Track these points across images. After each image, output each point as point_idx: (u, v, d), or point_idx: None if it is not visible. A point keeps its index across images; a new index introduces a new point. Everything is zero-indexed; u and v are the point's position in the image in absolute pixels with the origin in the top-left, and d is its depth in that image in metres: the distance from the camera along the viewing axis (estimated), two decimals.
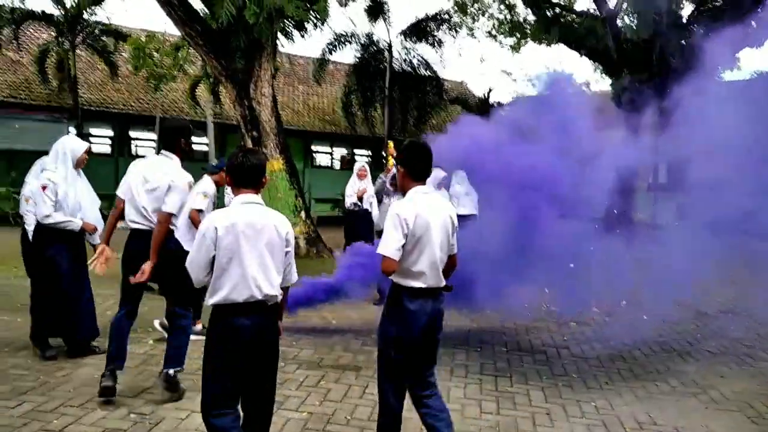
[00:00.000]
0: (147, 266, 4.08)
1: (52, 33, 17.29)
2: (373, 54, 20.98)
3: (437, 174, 8.31)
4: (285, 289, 3.09)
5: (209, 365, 2.94)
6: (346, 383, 4.71)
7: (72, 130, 10.05)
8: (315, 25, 11.12)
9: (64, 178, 4.98)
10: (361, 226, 7.84)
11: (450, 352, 5.61)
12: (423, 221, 3.11)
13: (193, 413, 3.87)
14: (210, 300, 2.90)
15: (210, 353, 2.93)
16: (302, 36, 11.09)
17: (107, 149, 19.60)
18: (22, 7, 14.16)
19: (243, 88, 11.54)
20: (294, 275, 3.14)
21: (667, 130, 5.43)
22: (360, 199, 8.17)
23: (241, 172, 2.98)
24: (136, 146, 20.30)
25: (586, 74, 39.44)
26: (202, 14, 11.89)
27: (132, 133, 19.99)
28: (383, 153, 6.27)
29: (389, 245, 3.08)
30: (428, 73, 21.78)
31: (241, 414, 3.00)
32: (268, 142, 11.77)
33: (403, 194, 3.29)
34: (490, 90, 23.44)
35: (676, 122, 5.33)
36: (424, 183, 3.28)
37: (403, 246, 3.09)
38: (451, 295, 3.43)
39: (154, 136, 19.06)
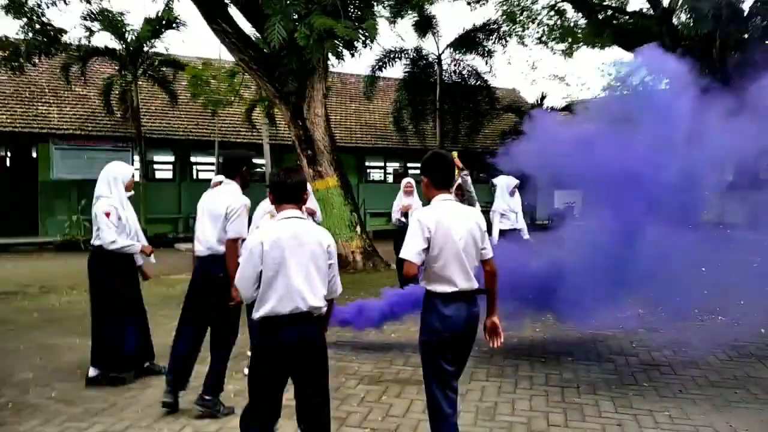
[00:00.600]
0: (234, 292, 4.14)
1: (115, 66, 18.13)
2: (422, 67, 21.06)
3: (509, 181, 8.24)
4: (330, 301, 3.20)
5: (254, 377, 3.05)
6: (407, 398, 4.69)
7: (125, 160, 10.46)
8: (364, 44, 11.24)
9: (120, 203, 5.12)
10: None
11: (513, 363, 5.51)
12: (445, 227, 3.20)
13: None
14: (256, 314, 3.01)
15: (256, 366, 3.05)
16: (352, 55, 11.21)
17: (170, 174, 20.35)
18: (88, 44, 14.87)
19: (296, 110, 11.78)
20: (338, 287, 3.24)
21: (734, 125, 5.10)
22: (405, 215, 8.16)
23: (282, 189, 3.16)
24: (197, 170, 21.00)
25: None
26: (254, 39, 12.25)
27: (193, 158, 20.70)
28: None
29: (410, 250, 3.19)
30: (478, 82, 21.66)
31: None
32: (323, 159, 11.96)
33: (429, 202, 3.39)
34: (543, 96, 23.02)
35: (745, 116, 5.01)
36: (447, 191, 3.40)
37: (426, 251, 3.19)
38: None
39: (213, 159, 19.66)
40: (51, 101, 18.39)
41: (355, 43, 11.54)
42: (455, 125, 21.68)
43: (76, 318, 7.61)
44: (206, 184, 19.49)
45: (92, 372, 5.07)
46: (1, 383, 5.08)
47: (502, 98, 23.73)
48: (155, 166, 20.26)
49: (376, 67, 20.78)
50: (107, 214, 5.00)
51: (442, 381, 3.24)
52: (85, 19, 14.03)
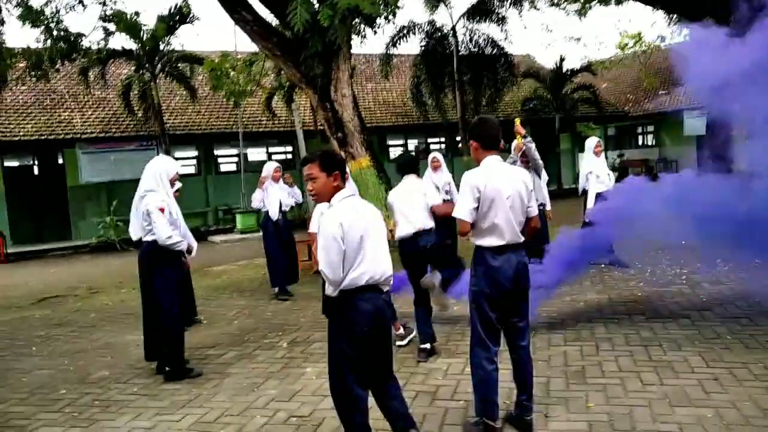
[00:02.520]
0: None
1: (132, 66, 18.10)
2: (437, 40, 20.76)
3: (590, 143, 8.02)
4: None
5: (340, 346, 3.10)
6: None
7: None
8: (386, 19, 11.06)
9: (169, 198, 5.10)
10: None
11: (588, 326, 5.44)
12: (494, 186, 3.39)
13: None
14: (338, 288, 3.06)
15: (341, 334, 3.09)
16: (374, 32, 11.05)
17: (193, 170, 20.36)
18: (106, 46, 14.83)
19: (324, 92, 11.66)
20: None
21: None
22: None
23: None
24: (220, 163, 20.98)
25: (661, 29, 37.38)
26: (274, 26, 12.11)
27: (216, 151, 20.67)
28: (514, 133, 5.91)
29: (462, 209, 3.43)
30: (495, 51, 21.32)
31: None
32: (354, 141, 11.85)
33: (478, 164, 3.56)
34: (562, 59, 22.63)
35: None
36: (495, 152, 3.54)
37: (476, 209, 3.40)
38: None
39: (236, 151, 19.65)
40: (73, 107, 18.45)
41: (378, 18, 11.40)
42: (476, 96, 21.40)
43: (134, 315, 7.66)
44: (230, 175, 19.74)
45: (167, 367, 5.09)
46: (80, 382, 5.12)
47: (519, 64, 23.37)
48: (180, 162, 20.23)
49: (391, 44, 20.57)
50: (161, 210, 4.95)
51: (490, 324, 3.46)
52: (103, 20, 13.94)
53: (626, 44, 27.52)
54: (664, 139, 26.11)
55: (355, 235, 3.02)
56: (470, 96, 21.43)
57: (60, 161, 18.41)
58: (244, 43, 35.64)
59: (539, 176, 6.85)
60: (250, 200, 8.62)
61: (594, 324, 5.51)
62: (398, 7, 10.71)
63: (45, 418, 4.38)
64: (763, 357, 4.38)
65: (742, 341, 4.75)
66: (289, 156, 21.27)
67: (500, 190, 3.40)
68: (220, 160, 20.99)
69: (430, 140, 24.00)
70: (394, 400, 3.22)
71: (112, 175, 17.70)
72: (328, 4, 9.82)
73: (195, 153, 20.43)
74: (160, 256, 5.02)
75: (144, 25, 16.29)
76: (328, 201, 3.16)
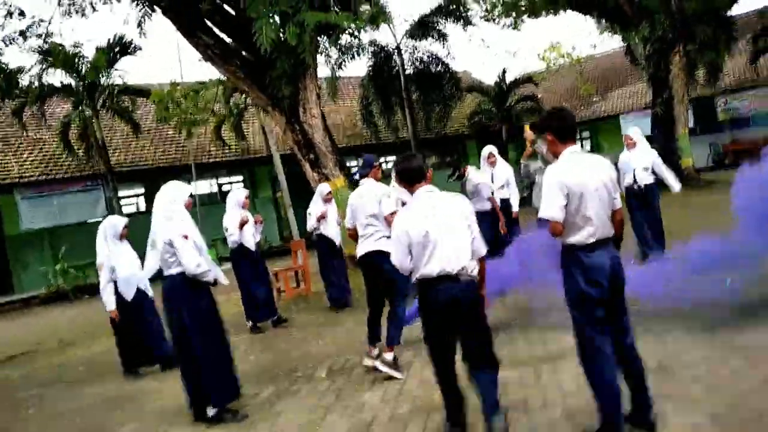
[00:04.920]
0: None
1: (70, 104, 17.13)
2: (384, 59, 20.78)
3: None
4: (481, 260, 3.54)
5: (424, 330, 3.55)
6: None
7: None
8: (352, 35, 10.91)
9: (190, 225, 4.68)
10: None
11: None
12: (581, 179, 3.20)
13: None
14: (413, 278, 3.51)
15: (422, 320, 3.55)
16: (340, 51, 10.87)
17: (143, 207, 19.29)
18: (46, 83, 13.93)
19: (292, 114, 11.32)
20: (482, 246, 3.53)
21: None
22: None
23: (410, 173, 3.61)
24: None
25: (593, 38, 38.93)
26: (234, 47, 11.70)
27: None
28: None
29: (552, 208, 3.21)
30: (440, 68, 21.55)
31: None
32: (327, 161, 11.54)
33: (556, 158, 3.38)
34: (504, 71, 23.15)
35: None
36: (574, 143, 3.35)
37: (565, 207, 3.19)
38: None
39: (190, 185, 18.79)
40: (6, 150, 17.23)
41: (342, 35, 11.25)
42: (426, 113, 21.51)
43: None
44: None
45: (211, 412, 4.57)
46: None
47: (462, 80, 23.72)
48: (124, 201, 19.08)
49: (335, 66, 20.41)
50: (185, 237, 4.51)
51: (597, 324, 3.24)
52: (39, 53, 13.09)
53: (548, 57, 28.55)
54: (602, 144, 27.05)
55: (419, 231, 3.42)
56: (420, 113, 21.53)
57: None
58: (190, 73, 34.46)
59: None
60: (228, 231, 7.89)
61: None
62: (383, 20, 10.56)
63: None
64: None
65: None
66: (240, 186, 20.62)
67: (587, 183, 3.19)
68: None
69: (385, 158, 23.92)
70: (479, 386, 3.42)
71: (55, 219, 16.62)
72: (295, 21, 9.57)
73: (142, 190, 19.46)
74: (188, 287, 4.55)
75: (84, 57, 15.44)
76: None
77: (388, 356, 4.96)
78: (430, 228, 3.36)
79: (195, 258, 4.49)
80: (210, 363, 4.54)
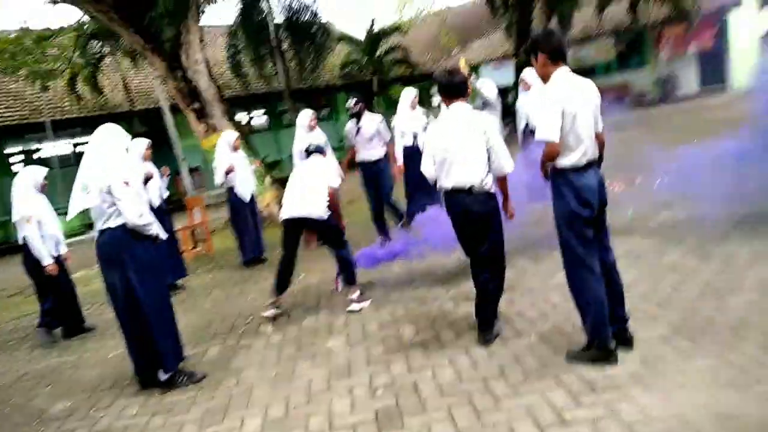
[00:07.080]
0: None
1: None
2: (251, 5, 19.68)
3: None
4: (503, 178, 3.88)
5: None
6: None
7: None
8: None
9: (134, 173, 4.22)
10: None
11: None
12: (575, 100, 3.22)
13: None
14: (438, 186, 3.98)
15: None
16: None
17: None
18: None
19: (174, 59, 10.41)
20: (506, 163, 3.81)
21: None
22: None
23: (453, 87, 3.86)
24: (12, 163, 17.42)
25: None
26: None
27: (7, 149, 17.22)
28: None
29: (550, 129, 3.21)
30: (310, 17, 20.89)
31: None
32: (214, 111, 10.81)
33: (545, 81, 3.36)
34: (373, 21, 22.99)
35: None
36: (565, 63, 3.33)
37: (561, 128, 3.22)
38: None
39: (46, 145, 16.68)
40: None
41: None
42: (300, 63, 20.84)
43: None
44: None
45: (164, 376, 4.19)
46: (38, 418, 4.02)
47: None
48: None
49: (201, 11, 19.02)
50: (126, 184, 3.95)
51: (587, 243, 3.36)
52: None
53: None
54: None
55: (442, 144, 3.93)
56: (292, 63, 20.82)
57: None
58: (39, 19, 30.19)
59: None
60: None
61: None
62: None
63: None
64: None
65: None
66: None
67: (580, 104, 3.24)
68: (12, 159, 17.53)
69: (256, 112, 23.02)
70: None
71: None
72: None
73: None
74: (129, 242, 4.03)
75: None
76: None
77: (355, 295, 5.20)
78: (448, 145, 3.81)
79: (137, 207, 4.00)
80: (162, 323, 4.14)
